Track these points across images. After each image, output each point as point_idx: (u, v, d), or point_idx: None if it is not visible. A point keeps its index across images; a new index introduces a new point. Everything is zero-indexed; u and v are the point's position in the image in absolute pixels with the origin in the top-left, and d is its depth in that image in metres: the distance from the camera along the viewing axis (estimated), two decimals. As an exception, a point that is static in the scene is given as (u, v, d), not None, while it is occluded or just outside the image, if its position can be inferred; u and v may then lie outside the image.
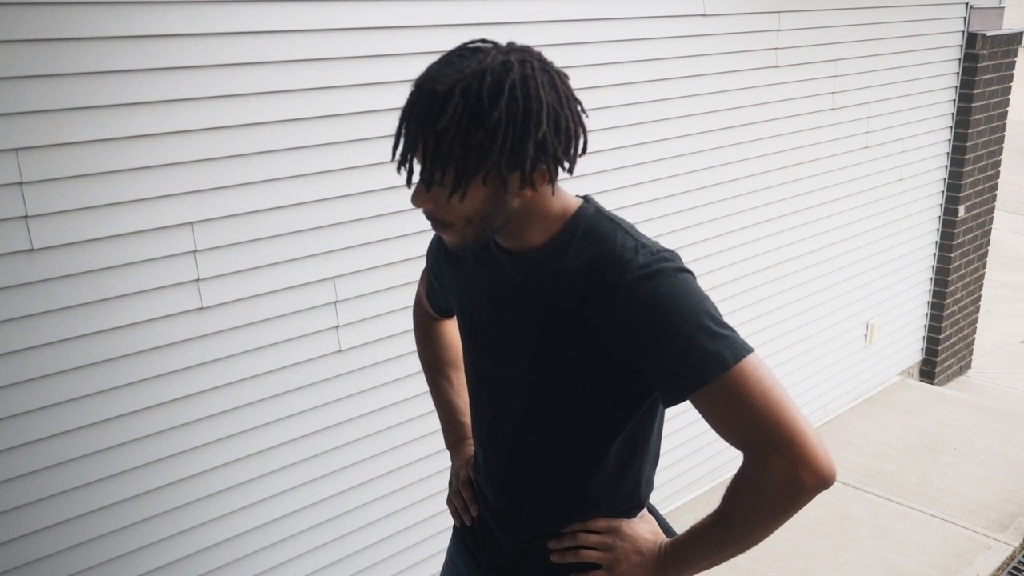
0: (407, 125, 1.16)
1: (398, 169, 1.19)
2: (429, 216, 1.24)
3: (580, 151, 1.23)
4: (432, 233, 1.62)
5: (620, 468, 1.37)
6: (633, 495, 1.41)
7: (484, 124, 1.12)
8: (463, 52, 1.17)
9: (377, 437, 2.53)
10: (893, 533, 3.44)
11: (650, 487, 1.45)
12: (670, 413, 3.82)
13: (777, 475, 1.19)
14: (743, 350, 1.21)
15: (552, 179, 1.23)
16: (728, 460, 3.81)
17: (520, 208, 1.23)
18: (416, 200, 1.22)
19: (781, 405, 1.20)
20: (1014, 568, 3.32)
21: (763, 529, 1.25)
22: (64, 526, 1.98)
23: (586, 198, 1.34)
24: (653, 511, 1.47)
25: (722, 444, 4.19)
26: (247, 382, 2.21)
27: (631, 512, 1.41)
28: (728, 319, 4.08)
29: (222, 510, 2.24)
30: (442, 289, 1.55)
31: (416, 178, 1.19)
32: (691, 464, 3.61)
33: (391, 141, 2.35)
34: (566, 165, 1.21)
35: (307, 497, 2.40)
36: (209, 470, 2.19)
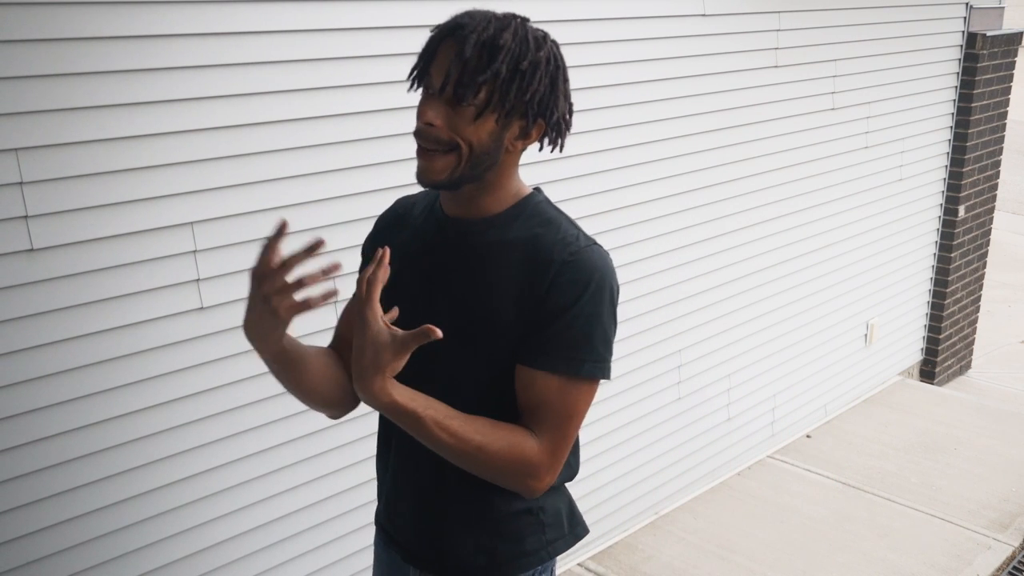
0: (457, 39, 1.24)
1: (418, 81, 1.29)
2: (429, 136, 1.27)
3: (564, 139, 1.37)
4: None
5: None
6: None
7: (531, 58, 1.26)
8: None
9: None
10: (893, 533, 3.44)
11: (570, 470, 1.49)
12: (671, 414, 3.81)
13: (531, 458, 1.31)
14: (599, 372, 1.34)
15: (553, 140, 1.34)
16: (728, 460, 3.81)
17: (498, 166, 1.32)
18: (428, 113, 1.26)
19: (573, 430, 1.35)
20: (1014, 568, 3.32)
21: (479, 453, 1.29)
22: (64, 526, 1.98)
23: (537, 188, 1.43)
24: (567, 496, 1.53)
25: (722, 445, 4.14)
26: (247, 382, 2.21)
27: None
28: (728, 319, 4.03)
29: (222, 510, 2.24)
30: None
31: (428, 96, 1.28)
32: (691, 464, 3.61)
33: (391, 141, 2.36)
34: (566, 130, 1.35)
35: (307, 497, 2.40)
36: (209, 470, 2.19)
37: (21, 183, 1.79)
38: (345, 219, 2.31)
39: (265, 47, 2.08)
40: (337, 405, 1.49)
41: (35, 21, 1.75)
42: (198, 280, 2.08)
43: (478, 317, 1.35)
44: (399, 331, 1.21)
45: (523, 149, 1.35)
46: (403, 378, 1.40)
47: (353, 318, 1.48)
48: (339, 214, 2.30)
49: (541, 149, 1.39)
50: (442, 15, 2.37)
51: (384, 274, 1.21)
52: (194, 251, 2.06)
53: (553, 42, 1.32)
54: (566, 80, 1.33)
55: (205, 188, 2.05)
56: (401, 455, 1.49)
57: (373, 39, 2.27)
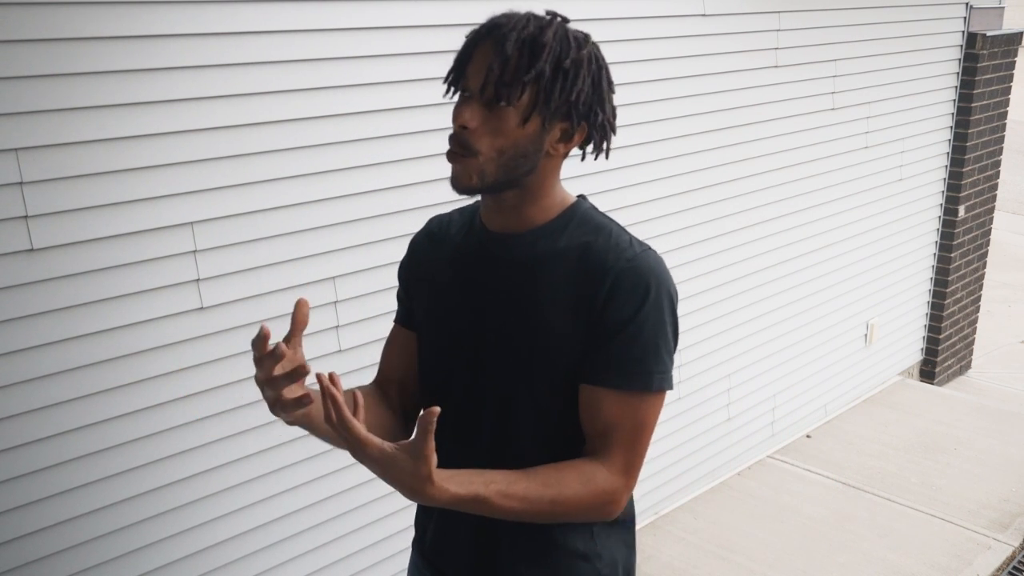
0: (495, 39, 1.19)
1: (453, 85, 1.25)
2: (460, 140, 1.22)
3: (610, 144, 1.31)
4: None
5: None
6: None
7: (574, 56, 1.21)
8: None
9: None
10: (893, 533, 3.44)
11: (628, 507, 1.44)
12: (671, 414, 3.81)
13: (607, 487, 1.26)
14: (667, 384, 1.29)
15: (598, 145, 1.29)
16: (728, 460, 3.81)
17: (540, 171, 1.27)
18: (464, 115, 1.21)
19: (646, 445, 1.30)
20: (1014, 568, 3.32)
21: (555, 507, 1.23)
22: (64, 526, 1.98)
23: (582, 196, 1.38)
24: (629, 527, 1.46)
25: (722, 445, 4.13)
26: (247, 382, 2.21)
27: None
28: (728, 319, 4.03)
29: (222, 510, 2.24)
30: (413, 307, 1.48)
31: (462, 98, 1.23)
32: (691, 464, 3.61)
33: (391, 141, 2.36)
34: (611, 137, 1.29)
35: (307, 497, 2.40)
36: (209, 470, 2.19)
37: (21, 183, 1.79)
38: (345, 219, 2.31)
39: (265, 47, 2.08)
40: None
41: (35, 21, 1.75)
42: (198, 280, 2.08)
43: (532, 332, 1.28)
44: (407, 442, 1.08)
45: (565, 154, 1.29)
46: (453, 405, 1.36)
47: (394, 363, 1.48)
48: (339, 214, 2.30)
49: (584, 158, 1.33)
50: (443, 15, 2.38)
51: (345, 408, 1.06)
52: (194, 251, 2.06)
53: (594, 43, 1.27)
54: (610, 82, 1.27)
55: (205, 188, 2.05)
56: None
57: (373, 39, 2.27)
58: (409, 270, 1.48)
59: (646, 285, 1.25)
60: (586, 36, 1.26)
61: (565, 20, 1.25)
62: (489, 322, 1.33)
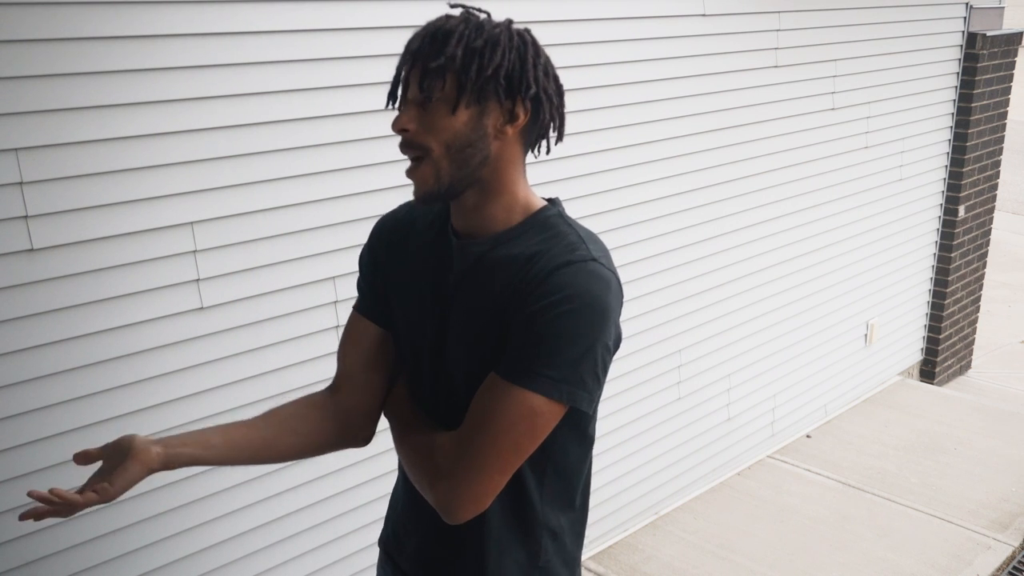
0: (411, 50, 1.21)
1: (391, 97, 1.26)
2: (407, 143, 1.23)
3: (563, 121, 1.29)
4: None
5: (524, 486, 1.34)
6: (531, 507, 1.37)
7: (487, 36, 1.20)
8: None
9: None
10: (893, 533, 3.44)
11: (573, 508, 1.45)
12: (671, 414, 3.80)
13: (433, 447, 1.29)
14: (558, 394, 1.20)
15: (550, 119, 1.26)
16: (728, 460, 3.81)
17: (493, 160, 1.25)
18: (401, 119, 1.23)
19: (498, 446, 1.21)
20: (1014, 568, 3.32)
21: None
22: (64, 526, 1.98)
23: (552, 201, 1.34)
24: (567, 547, 1.44)
25: (722, 445, 4.12)
26: (247, 382, 2.21)
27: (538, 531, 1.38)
28: (728, 319, 4.00)
29: (222, 510, 2.24)
30: (377, 304, 1.46)
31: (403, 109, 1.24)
32: (691, 464, 3.61)
33: (391, 141, 2.36)
34: (556, 106, 1.27)
35: (307, 497, 2.40)
36: (209, 470, 2.19)
37: (21, 183, 1.79)
38: (345, 219, 2.31)
39: (264, 47, 2.08)
40: (319, 450, 1.52)
41: (35, 21, 1.75)
42: (198, 280, 2.08)
43: (474, 339, 1.27)
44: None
45: (517, 137, 1.25)
46: (422, 383, 1.39)
47: (354, 346, 1.49)
48: (339, 214, 2.30)
49: (545, 138, 1.31)
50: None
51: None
52: (194, 251, 2.06)
53: (521, 29, 1.26)
54: (539, 55, 1.24)
55: (205, 188, 2.05)
56: (412, 496, 1.45)
57: (373, 39, 2.27)
58: (372, 257, 1.47)
59: (569, 292, 1.18)
60: (507, 22, 1.25)
61: (479, 11, 1.25)
62: (446, 323, 1.33)
